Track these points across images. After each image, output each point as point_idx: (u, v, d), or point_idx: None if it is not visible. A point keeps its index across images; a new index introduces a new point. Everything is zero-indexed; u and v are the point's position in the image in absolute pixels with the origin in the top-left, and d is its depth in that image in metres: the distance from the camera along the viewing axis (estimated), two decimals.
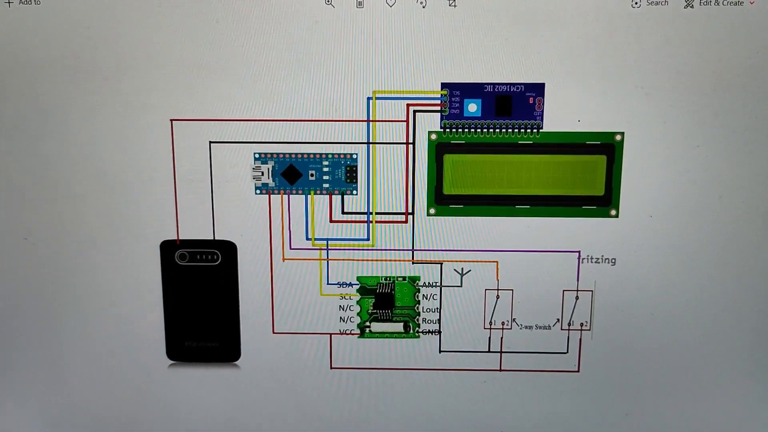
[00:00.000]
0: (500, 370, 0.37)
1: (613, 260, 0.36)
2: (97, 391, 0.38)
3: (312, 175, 0.35)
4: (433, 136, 0.34)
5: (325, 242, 0.36)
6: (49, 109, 0.34)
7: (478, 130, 0.34)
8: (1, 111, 0.34)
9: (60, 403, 0.38)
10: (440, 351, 0.37)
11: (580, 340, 0.37)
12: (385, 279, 0.36)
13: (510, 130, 0.34)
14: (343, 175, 0.35)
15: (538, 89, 0.34)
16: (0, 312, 0.37)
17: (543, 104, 0.34)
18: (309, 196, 0.35)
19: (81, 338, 0.37)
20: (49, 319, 0.37)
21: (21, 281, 0.37)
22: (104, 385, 0.38)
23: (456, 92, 0.34)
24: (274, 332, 0.37)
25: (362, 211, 0.36)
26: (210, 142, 0.35)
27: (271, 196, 0.35)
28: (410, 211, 0.35)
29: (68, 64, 0.34)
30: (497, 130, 0.34)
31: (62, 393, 0.38)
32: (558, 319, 0.37)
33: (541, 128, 0.34)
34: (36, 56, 0.34)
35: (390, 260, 0.36)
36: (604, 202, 0.35)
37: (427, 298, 0.37)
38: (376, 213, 0.36)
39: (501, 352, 0.37)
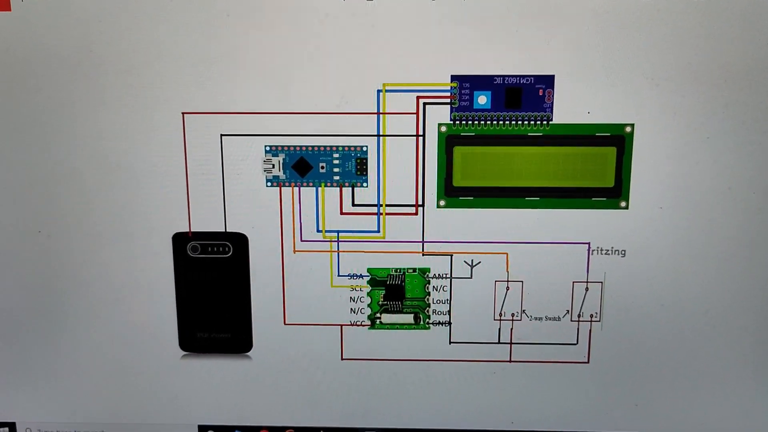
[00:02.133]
0: (510, 361, 0.38)
1: (623, 252, 0.36)
2: (109, 382, 0.38)
3: (322, 167, 0.35)
4: (443, 129, 0.35)
5: (335, 234, 0.36)
6: (61, 103, 0.35)
7: (488, 122, 0.34)
8: (13, 105, 0.35)
9: (73, 394, 0.39)
10: (450, 342, 0.37)
11: (590, 331, 0.37)
12: (396, 271, 0.37)
13: (520, 122, 0.34)
14: (353, 167, 0.35)
15: (548, 81, 0.34)
16: (14, 304, 0.37)
17: (552, 96, 0.34)
18: (320, 189, 0.36)
19: (94, 330, 0.38)
20: (63, 311, 0.37)
21: (35, 274, 0.37)
22: (117, 376, 0.38)
23: (466, 84, 0.34)
24: (285, 323, 0.37)
25: (372, 203, 0.36)
26: (221, 135, 0.35)
27: (282, 188, 0.36)
28: (420, 203, 0.36)
29: (80, 58, 0.34)
30: (507, 122, 0.34)
31: (75, 384, 0.39)
32: (568, 311, 0.37)
33: (551, 120, 0.34)
34: (48, 50, 0.34)
35: (400, 252, 0.36)
36: (614, 194, 0.35)
37: (437, 290, 0.37)
38: (387, 205, 0.36)
39: (511, 343, 0.37)
